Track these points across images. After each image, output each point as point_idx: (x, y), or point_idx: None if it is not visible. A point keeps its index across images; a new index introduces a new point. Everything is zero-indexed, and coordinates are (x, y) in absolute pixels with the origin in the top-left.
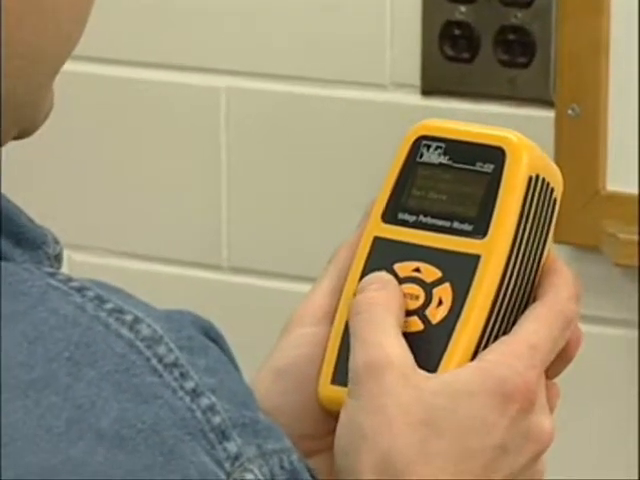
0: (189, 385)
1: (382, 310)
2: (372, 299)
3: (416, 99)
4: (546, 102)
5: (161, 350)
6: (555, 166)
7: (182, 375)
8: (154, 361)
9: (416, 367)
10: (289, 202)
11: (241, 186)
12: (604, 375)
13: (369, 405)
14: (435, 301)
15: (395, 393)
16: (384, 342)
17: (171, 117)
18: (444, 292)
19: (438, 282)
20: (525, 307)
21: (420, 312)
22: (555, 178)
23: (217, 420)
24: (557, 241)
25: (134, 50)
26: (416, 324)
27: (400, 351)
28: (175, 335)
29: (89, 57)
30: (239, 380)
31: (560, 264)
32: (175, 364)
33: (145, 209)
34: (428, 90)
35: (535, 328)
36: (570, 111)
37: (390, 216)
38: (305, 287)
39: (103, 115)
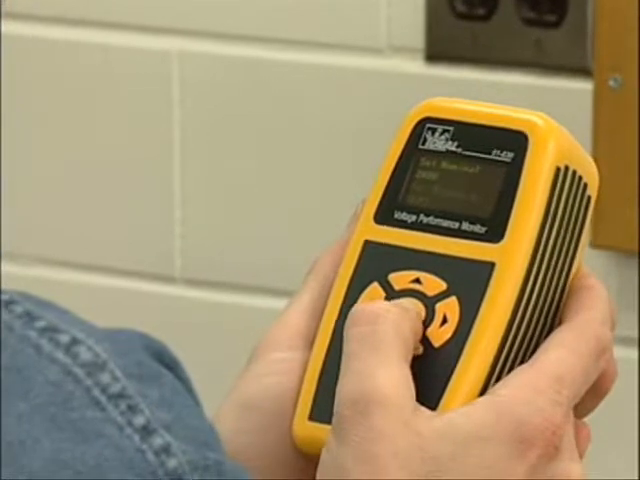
0: (139, 421)
1: (391, 330)
2: (384, 311)
3: (419, 66)
4: (581, 71)
5: (104, 378)
6: (589, 158)
7: (130, 409)
8: (96, 391)
9: (417, 406)
10: (258, 197)
11: (198, 176)
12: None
13: (359, 451)
14: (438, 319)
15: (390, 439)
16: (382, 374)
17: (113, 88)
18: (449, 308)
19: (442, 296)
20: (549, 331)
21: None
22: (589, 171)
23: (173, 463)
24: (593, 246)
25: (68, 6)
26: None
27: (399, 387)
28: (122, 360)
29: (15, 14)
30: (199, 415)
31: (593, 279)
32: (121, 395)
33: (81, 206)
34: (434, 55)
35: (561, 356)
36: (611, 82)
37: (384, 215)
38: (277, 303)
39: (30, 87)
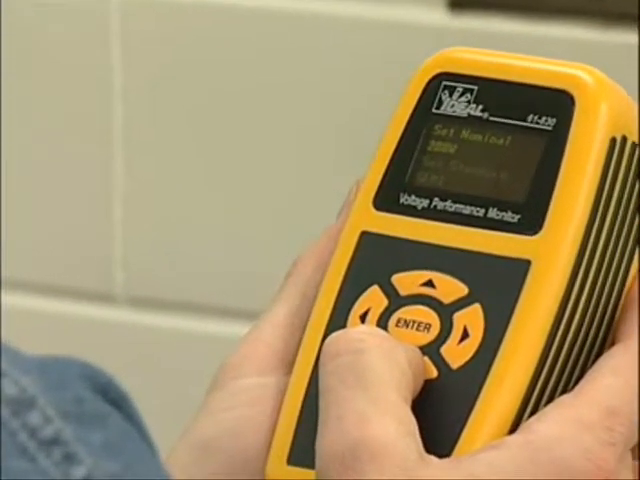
0: (78, 473)
1: (380, 358)
2: (368, 335)
3: (441, 16)
4: None
5: (33, 419)
6: None
7: (67, 458)
8: (23, 436)
9: (423, 454)
10: (220, 189)
11: (144, 163)
12: None
13: None
14: (457, 333)
15: None
16: (373, 416)
17: (44, 46)
18: (471, 319)
19: (462, 303)
20: (599, 351)
21: (433, 350)
22: None
23: None
24: None
25: None
26: (426, 369)
27: (398, 431)
28: (56, 395)
29: None
30: (154, 463)
31: None
32: (55, 441)
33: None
34: (460, 2)
35: (613, 385)
36: None
37: (387, 200)
38: (242, 328)
39: None
